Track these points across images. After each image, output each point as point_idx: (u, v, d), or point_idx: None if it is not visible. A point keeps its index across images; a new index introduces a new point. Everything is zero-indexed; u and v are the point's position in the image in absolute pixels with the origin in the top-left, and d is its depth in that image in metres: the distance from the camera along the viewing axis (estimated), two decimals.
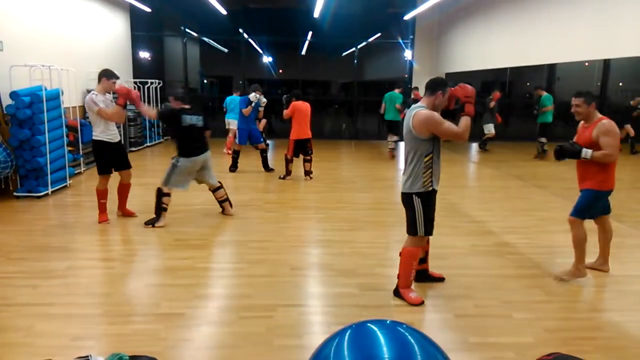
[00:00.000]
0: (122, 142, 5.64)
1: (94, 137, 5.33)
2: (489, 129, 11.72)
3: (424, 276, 4.01)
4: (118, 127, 5.31)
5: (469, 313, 3.52)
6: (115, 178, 5.60)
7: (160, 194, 5.44)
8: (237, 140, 8.87)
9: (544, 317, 3.46)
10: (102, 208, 5.52)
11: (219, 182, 5.87)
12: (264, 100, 8.76)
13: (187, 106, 5.47)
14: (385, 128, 11.23)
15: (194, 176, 5.65)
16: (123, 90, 5.29)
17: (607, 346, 3.08)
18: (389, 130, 11.03)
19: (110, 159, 5.44)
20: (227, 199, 5.90)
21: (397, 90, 10.66)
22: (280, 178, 8.20)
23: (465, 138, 3.59)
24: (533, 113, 10.93)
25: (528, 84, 16.79)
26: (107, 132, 5.31)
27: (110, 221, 5.50)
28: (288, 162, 8.15)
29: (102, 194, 5.49)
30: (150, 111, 6.10)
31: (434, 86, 3.57)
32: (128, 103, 5.40)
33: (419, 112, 3.49)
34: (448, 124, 3.49)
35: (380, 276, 4.13)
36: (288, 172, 8.18)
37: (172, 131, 5.71)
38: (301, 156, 8.17)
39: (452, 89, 3.63)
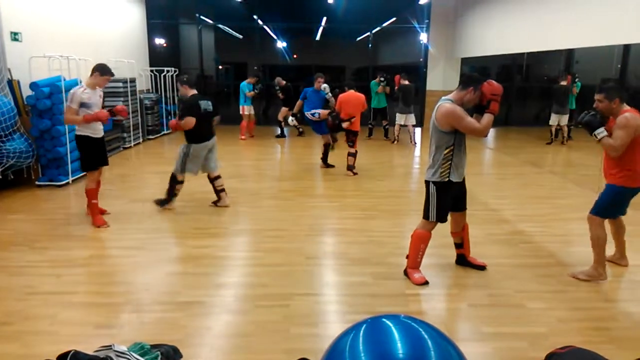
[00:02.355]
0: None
1: (76, 132, 5.02)
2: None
3: (463, 261, 4.13)
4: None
5: (483, 303, 3.56)
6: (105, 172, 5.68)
7: (175, 181, 5.55)
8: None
9: (558, 307, 3.48)
10: (96, 210, 5.17)
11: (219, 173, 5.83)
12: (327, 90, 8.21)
13: (195, 92, 5.49)
14: (378, 116, 11.56)
15: (203, 161, 5.63)
16: (102, 115, 4.93)
17: (622, 337, 3.09)
18: (381, 117, 11.50)
19: (96, 154, 5.15)
20: (224, 189, 5.86)
21: (376, 80, 11.13)
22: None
23: (485, 135, 3.68)
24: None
25: (546, 66, 16.50)
26: (90, 127, 5.00)
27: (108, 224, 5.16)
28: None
29: (93, 194, 5.14)
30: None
31: (466, 81, 3.63)
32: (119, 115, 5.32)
33: (443, 104, 3.59)
34: (469, 120, 3.54)
35: (394, 265, 4.17)
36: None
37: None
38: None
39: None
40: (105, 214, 5.40)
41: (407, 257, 3.91)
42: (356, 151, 7.68)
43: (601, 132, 3.66)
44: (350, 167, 7.71)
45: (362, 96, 7.50)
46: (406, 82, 10.85)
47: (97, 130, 5.11)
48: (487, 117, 3.60)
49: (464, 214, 3.98)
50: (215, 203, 5.86)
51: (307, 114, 7.88)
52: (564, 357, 2.47)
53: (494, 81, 3.64)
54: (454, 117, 3.52)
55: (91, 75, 5.03)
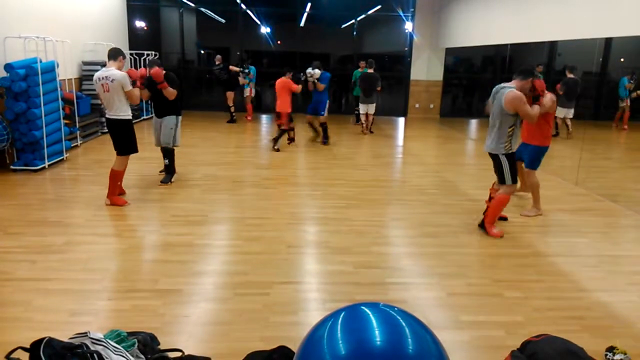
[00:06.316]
0: None
1: (126, 117, 5.21)
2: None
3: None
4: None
5: (461, 291, 3.59)
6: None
7: (174, 154, 6.18)
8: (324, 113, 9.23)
9: (534, 296, 3.53)
10: (116, 191, 5.39)
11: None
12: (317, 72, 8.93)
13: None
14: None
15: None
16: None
17: (594, 326, 3.15)
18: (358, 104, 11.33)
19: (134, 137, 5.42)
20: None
21: (360, 69, 11.15)
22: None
23: (535, 121, 4.61)
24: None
25: (529, 58, 16.62)
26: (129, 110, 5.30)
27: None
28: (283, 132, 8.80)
29: (120, 176, 5.44)
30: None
31: (526, 73, 4.47)
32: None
33: (511, 91, 4.34)
34: (528, 107, 4.39)
35: (375, 254, 4.19)
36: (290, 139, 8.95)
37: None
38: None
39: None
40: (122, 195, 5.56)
41: (487, 215, 4.67)
42: (283, 130, 8.72)
43: None
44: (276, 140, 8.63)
45: (288, 81, 8.63)
46: (370, 70, 10.25)
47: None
48: (538, 107, 4.54)
49: None
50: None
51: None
52: (539, 344, 2.51)
53: (540, 79, 4.67)
54: (520, 102, 4.30)
55: (115, 59, 5.17)
